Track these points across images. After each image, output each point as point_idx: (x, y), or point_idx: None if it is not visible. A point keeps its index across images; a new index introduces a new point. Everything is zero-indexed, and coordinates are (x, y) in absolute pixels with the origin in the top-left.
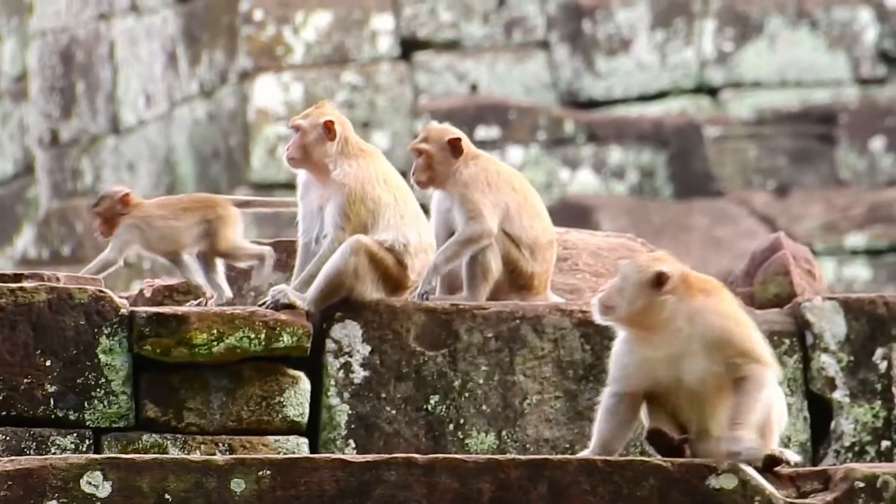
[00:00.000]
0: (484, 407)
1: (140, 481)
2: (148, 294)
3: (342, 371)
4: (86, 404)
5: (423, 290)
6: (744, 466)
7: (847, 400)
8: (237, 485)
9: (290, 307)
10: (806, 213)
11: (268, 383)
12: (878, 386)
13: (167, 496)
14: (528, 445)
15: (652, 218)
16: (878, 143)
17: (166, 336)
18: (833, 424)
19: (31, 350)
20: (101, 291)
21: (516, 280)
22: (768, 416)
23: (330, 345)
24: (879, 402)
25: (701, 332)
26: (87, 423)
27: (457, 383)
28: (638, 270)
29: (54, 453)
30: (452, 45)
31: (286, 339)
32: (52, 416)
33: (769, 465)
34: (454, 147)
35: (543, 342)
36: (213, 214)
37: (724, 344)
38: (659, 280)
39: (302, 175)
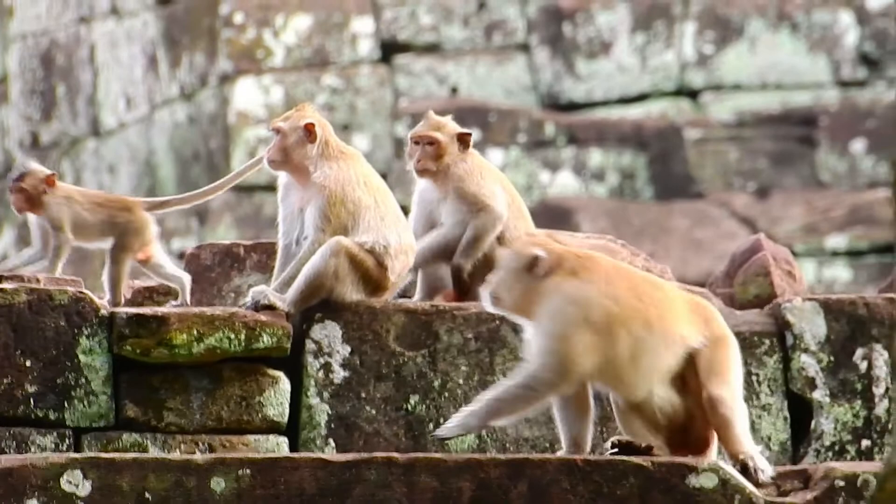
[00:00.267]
0: (464, 407)
1: (120, 480)
2: (128, 295)
3: (322, 371)
4: (66, 404)
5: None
6: (724, 465)
7: (827, 400)
8: (217, 484)
9: (270, 308)
10: (786, 214)
11: (248, 383)
12: (859, 386)
13: (147, 495)
14: (507, 445)
15: (632, 220)
16: (858, 146)
17: (146, 337)
18: (813, 424)
19: (11, 350)
20: (80, 293)
21: None
22: None
23: (310, 345)
24: (860, 402)
25: (546, 303)
26: (68, 423)
27: (437, 383)
28: (514, 257)
29: (34, 453)
30: (433, 48)
31: (266, 340)
32: (33, 416)
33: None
34: (463, 142)
35: (523, 343)
36: (122, 218)
37: (552, 319)
38: (534, 264)
39: (282, 177)
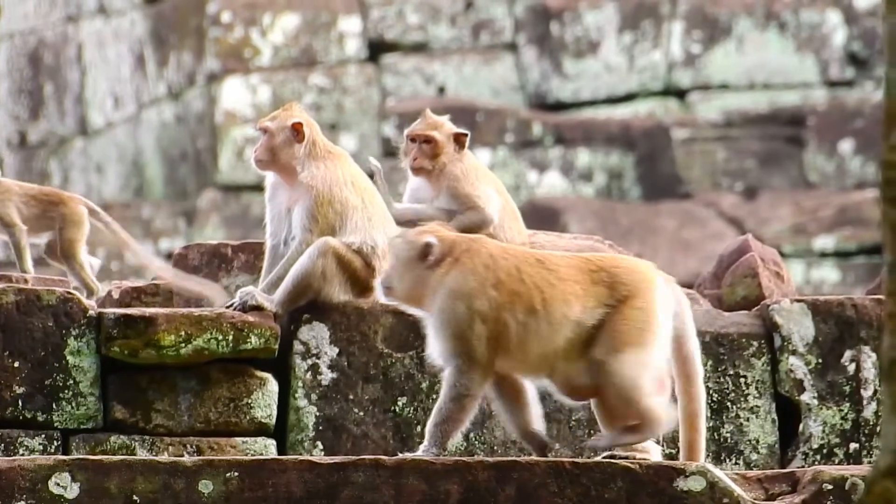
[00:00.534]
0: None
1: (108, 482)
2: (116, 296)
3: (310, 373)
4: (54, 406)
5: None
6: (712, 468)
7: (815, 402)
8: (205, 486)
9: (257, 309)
10: (774, 215)
11: (235, 385)
12: (847, 388)
13: (135, 497)
14: (495, 447)
15: (620, 220)
16: (846, 146)
17: (134, 338)
18: (801, 427)
19: None
20: (69, 293)
21: None
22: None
23: (298, 346)
24: (848, 405)
25: (437, 303)
26: (56, 425)
27: (424, 385)
28: (405, 245)
29: (22, 454)
30: (420, 48)
31: (254, 341)
32: (21, 418)
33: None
34: (459, 142)
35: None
36: (55, 212)
37: (445, 323)
38: (426, 252)
39: (270, 177)
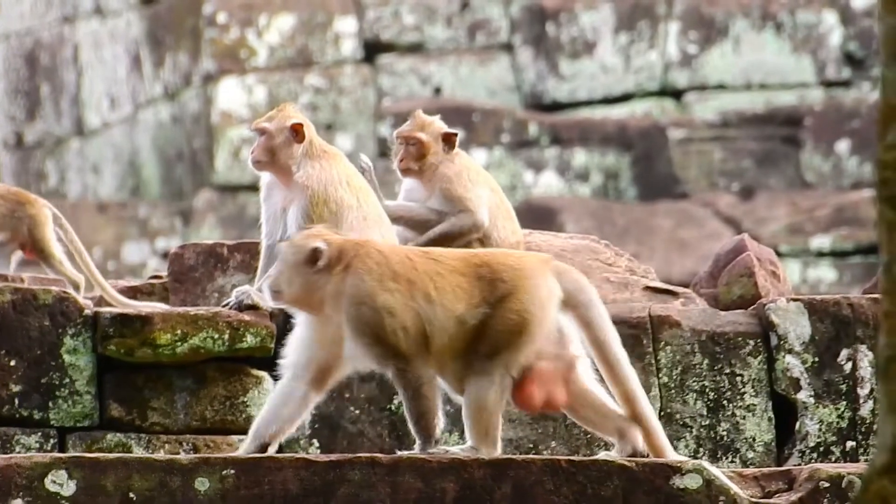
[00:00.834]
0: (448, 407)
1: (104, 480)
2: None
3: None
4: (50, 404)
5: None
6: (708, 466)
7: (812, 401)
8: (201, 484)
9: (253, 308)
10: (771, 215)
11: (231, 383)
12: (843, 387)
13: (131, 495)
14: None
15: (616, 220)
16: (843, 146)
17: (130, 336)
18: (798, 425)
19: None
20: (64, 292)
21: None
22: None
23: None
24: (844, 403)
25: (343, 313)
26: (52, 423)
27: None
28: (293, 249)
29: (19, 452)
30: (416, 48)
31: (250, 340)
32: (17, 416)
33: None
34: (448, 142)
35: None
36: (22, 212)
37: (359, 331)
38: (314, 257)
39: (265, 177)
